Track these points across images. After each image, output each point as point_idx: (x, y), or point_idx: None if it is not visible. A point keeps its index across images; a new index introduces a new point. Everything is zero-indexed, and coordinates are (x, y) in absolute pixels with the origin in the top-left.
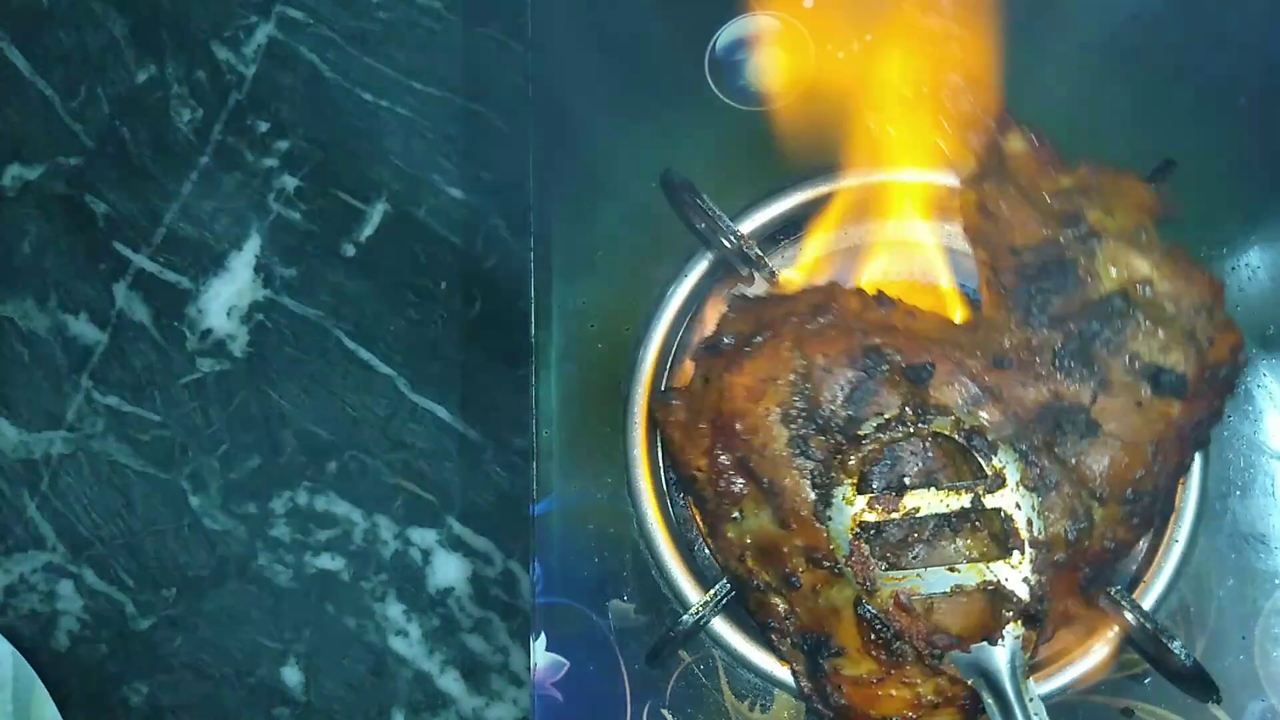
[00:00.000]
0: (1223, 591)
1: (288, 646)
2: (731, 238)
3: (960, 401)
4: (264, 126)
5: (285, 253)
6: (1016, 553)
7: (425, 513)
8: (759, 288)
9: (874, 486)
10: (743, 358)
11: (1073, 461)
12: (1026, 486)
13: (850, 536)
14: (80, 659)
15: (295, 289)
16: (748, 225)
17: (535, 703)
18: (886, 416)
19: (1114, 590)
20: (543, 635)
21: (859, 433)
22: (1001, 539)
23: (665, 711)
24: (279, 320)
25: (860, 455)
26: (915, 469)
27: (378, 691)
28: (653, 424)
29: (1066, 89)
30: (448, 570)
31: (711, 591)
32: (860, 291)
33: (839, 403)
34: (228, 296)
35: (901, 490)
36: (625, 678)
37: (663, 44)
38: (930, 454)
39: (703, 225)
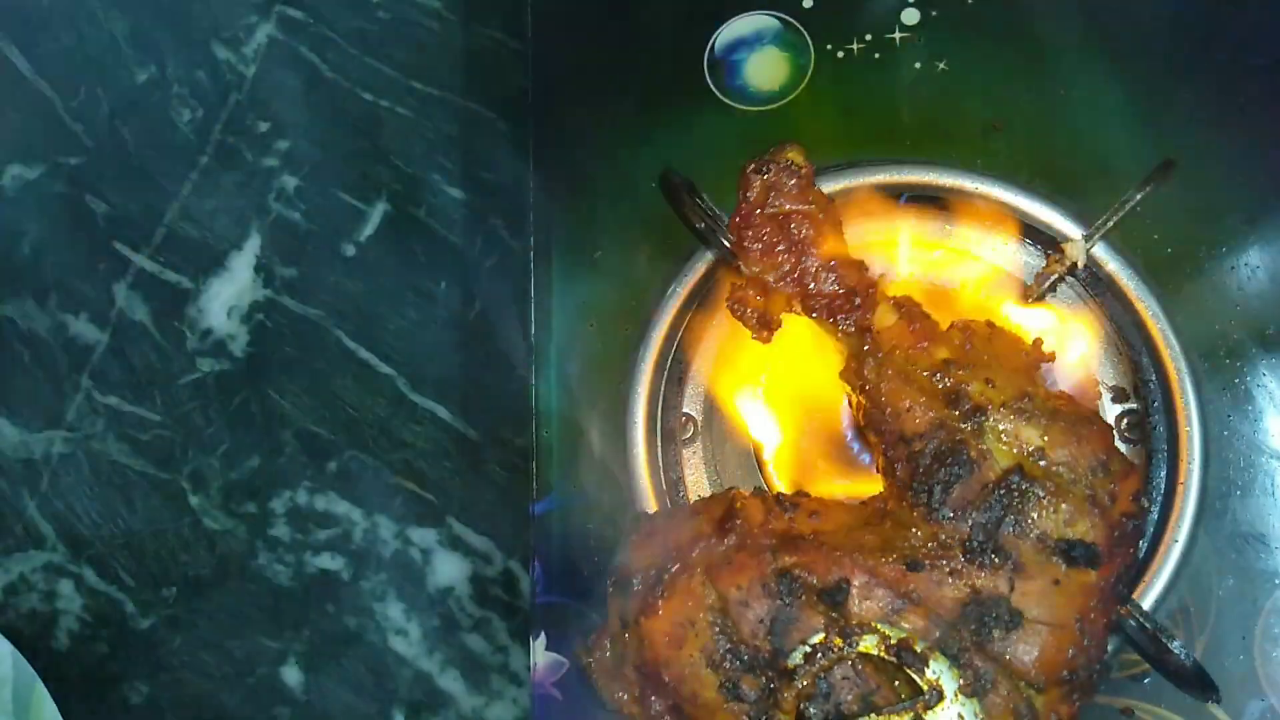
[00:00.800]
0: (1223, 591)
1: (288, 646)
2: (731, 237)
3: (882, 614)
4: (264, 126)
5: (285, 253)
6: None
7: (425, 512)
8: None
9: None
10: (656, 599)
11: (1005, 657)
12: (965, 694)
13: None
14: (80, 659)
15: (295, 289)
16: None
17: (535, 702)
18: (812, 644)
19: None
20: (543, 635)
21: (787, 665)
22: None
23: None
24: (279, 320)
25: (793, 690)
26: (851, 694)
27: (378, 691)
28: (651, 429)
29: (1067, 89)
30: (448, 570)
31: None
32: (762, 496)
33: (762, 636)
34: (228, 296)
35: None
36: None
37: (663, 44)
38: (863, 676)
39: (703, 225)
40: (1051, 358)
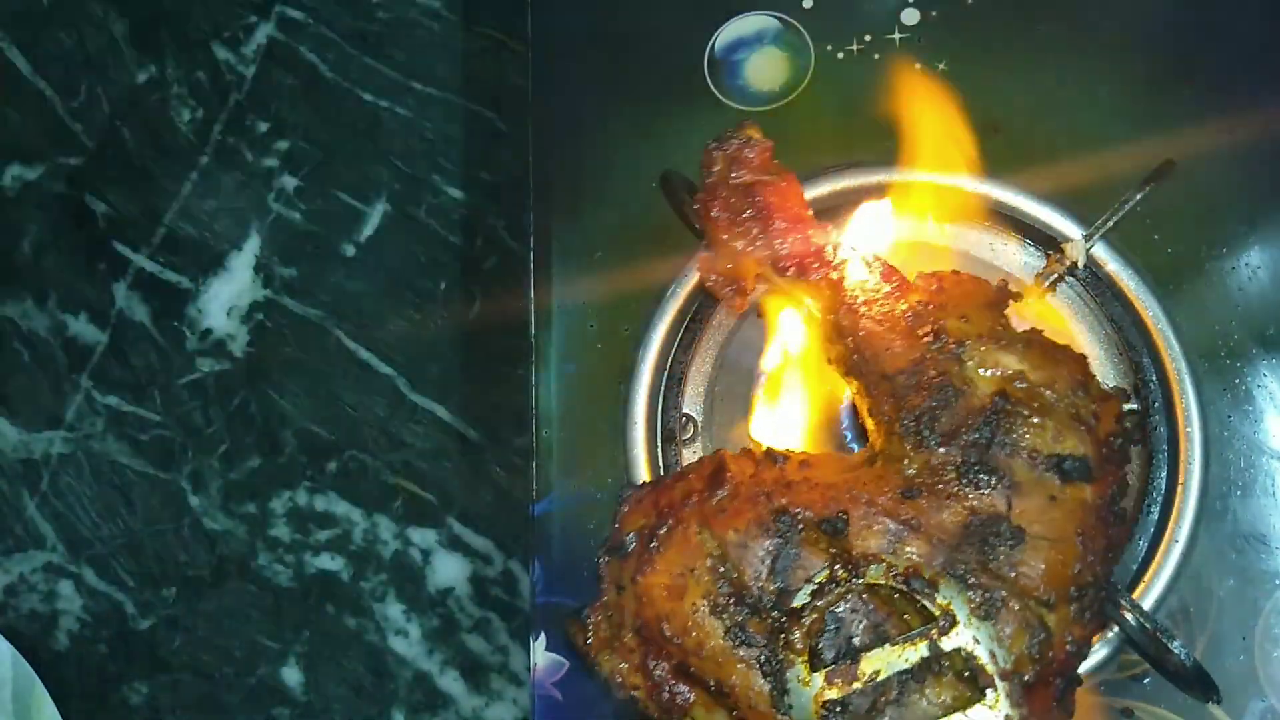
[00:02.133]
0: (1223, 591)
1: (288, 646)
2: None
3: (884, 543)
4: (264, 126)
5: (285, 253)
6: (989, 690)
7: (425, 513)
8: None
9: (826, 659)
10: (653, 554)
11: (1011, 574)
12: (978, 616)
13: None
14: (80, 659)
15: (295, 289)
16: None
17: (535, 703)
18: (818, 580)
19: (1114, 590)
20: (543, 635)
21: (795, 605)
22: (969, 678)
23: None
24: (279, 320)
25: (803, 629)
26: (862, 627)
27: (378, 691)
28: (651, 429)
29: (1067, 89)
30: (448, 570)
31: None
32: (749, 452)
33: (765, 577)
34: (228, 296)
35: (856, 655)
36: None
37: (663, 44)
38: (873, 607)
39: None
40: (1019, 296)
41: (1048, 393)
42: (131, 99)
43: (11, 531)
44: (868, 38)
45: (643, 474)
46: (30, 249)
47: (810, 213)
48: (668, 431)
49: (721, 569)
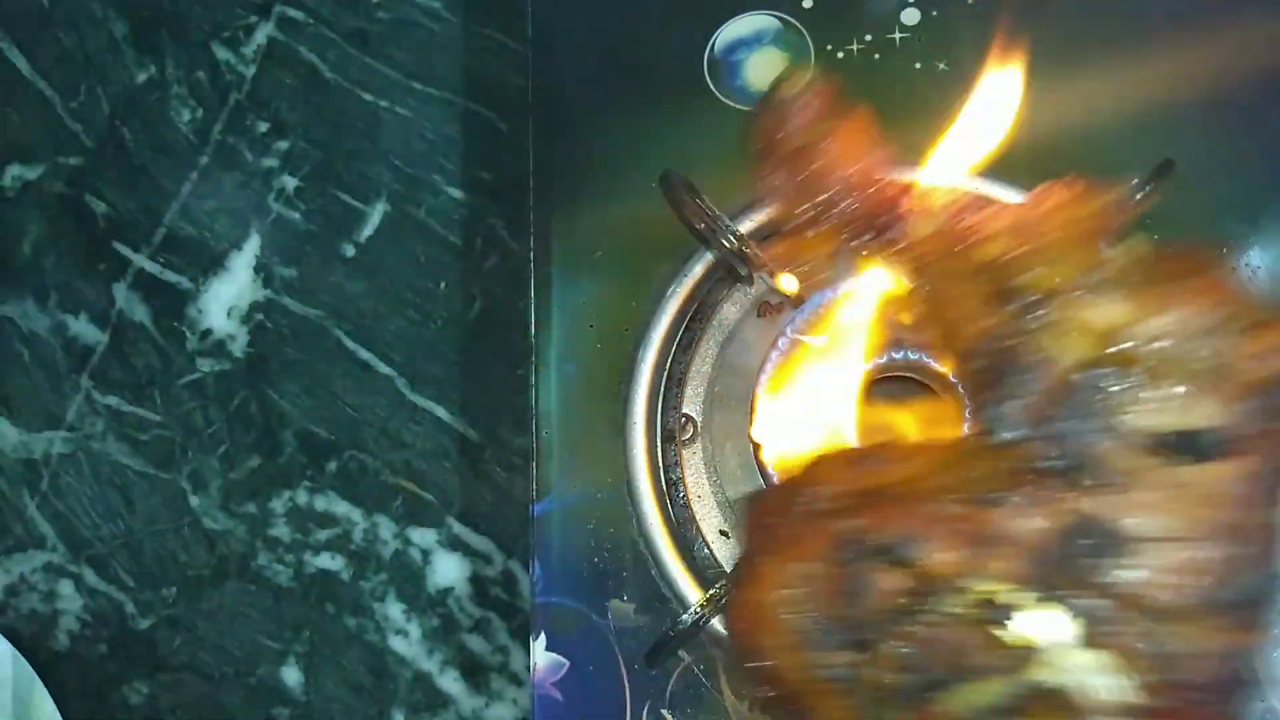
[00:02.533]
0: None
1: (288, 646)
2: (731, 238)
3: (962, 565)
4: (264, 126)
5: (285, 253)
6: None
7: (425, 513)
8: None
9: (908, 696)
10: (740, 586)
11: (1116, 588)
12: (1077, 644)
13: None
14: (80, 659)
15: (295, 289)
16: (747, 225)
17: (535, 703)
18: (891, 611)
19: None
20: (543, 635)
21: (869, 637)
22: (1067, 712)
23: (665, 712)
24: (279, 320)
25: (881, 663)
26: (939, 661)
27: (378, 691)
28: (651, 429)
29: (1067, 89)
30: (448, 570)
31: (711, 591)
32: (847, 454)
33: (838, 609)
34: (228, 296)
35: (933, 692)
36: (625, 678)
37: (663, 44)
38: (954, 637)
39: (702, 225)
40: (1134, 208)
41: (1166, 347)
42: (131, 99)
43: (11, 531)
44: (868, 38)
45: (643, 474)
46: (30, 249)
47: (880, 156)
48: (668, 431)
49: (794, 601)
